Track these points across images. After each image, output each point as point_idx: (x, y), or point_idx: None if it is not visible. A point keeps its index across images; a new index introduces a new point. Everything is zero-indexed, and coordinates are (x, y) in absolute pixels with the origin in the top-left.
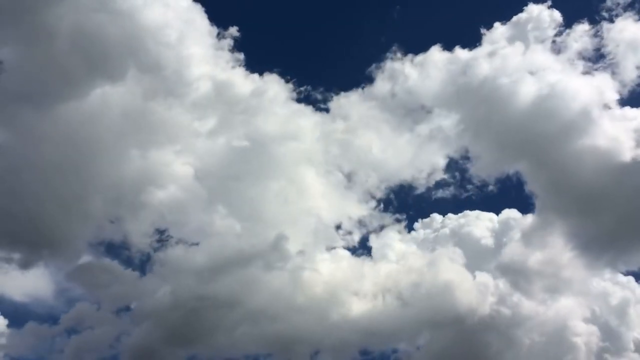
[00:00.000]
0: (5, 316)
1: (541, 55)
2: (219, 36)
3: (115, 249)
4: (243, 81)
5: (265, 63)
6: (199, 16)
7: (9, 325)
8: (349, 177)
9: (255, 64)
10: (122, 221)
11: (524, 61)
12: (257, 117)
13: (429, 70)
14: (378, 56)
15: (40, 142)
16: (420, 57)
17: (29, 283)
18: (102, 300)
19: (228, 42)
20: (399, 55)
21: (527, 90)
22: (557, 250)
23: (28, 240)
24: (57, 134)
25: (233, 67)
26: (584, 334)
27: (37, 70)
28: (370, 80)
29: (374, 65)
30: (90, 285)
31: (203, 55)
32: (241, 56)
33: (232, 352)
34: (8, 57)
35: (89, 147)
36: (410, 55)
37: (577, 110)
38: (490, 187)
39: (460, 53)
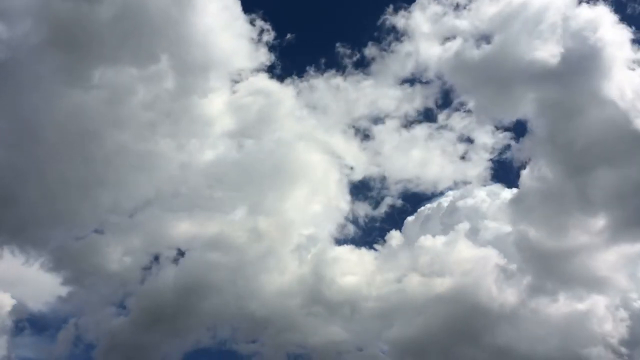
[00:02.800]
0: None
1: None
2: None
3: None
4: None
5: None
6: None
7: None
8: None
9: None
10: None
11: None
12: (276, 119)
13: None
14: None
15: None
16: None
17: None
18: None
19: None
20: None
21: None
22: (579, 231)
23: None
24: (77, 113)
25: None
26: (610, 323)
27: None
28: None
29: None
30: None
31: (240, 54)
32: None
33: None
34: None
35: (106, 129)
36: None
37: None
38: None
39: None
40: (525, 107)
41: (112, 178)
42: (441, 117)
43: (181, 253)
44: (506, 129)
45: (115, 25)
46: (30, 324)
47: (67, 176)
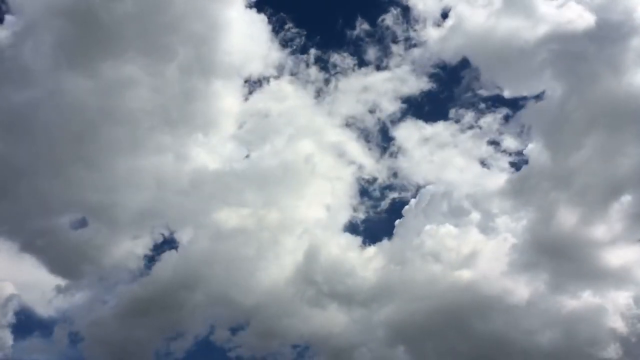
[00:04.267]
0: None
1: None
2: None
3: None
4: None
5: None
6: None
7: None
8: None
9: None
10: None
11: None
12: (286, 124)
13: None
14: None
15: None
16: None
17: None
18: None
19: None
20: None
21: None
22: (594, 223)
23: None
24: (80, 105)
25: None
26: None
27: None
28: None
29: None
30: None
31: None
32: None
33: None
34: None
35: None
36: None
37: None
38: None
39: None
40: (544, 83)
41: (112, 171)
42: (453, 111)
43: (179, 246)
44: (521, 107)
45: (130, 18)
46: (26, 317)
47: (64, 168)
